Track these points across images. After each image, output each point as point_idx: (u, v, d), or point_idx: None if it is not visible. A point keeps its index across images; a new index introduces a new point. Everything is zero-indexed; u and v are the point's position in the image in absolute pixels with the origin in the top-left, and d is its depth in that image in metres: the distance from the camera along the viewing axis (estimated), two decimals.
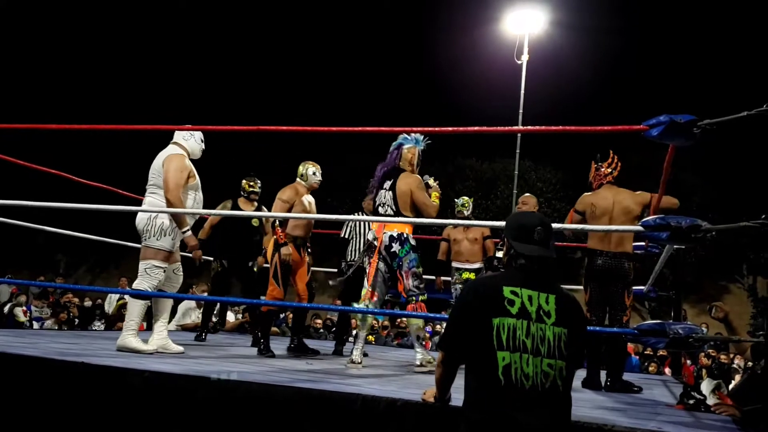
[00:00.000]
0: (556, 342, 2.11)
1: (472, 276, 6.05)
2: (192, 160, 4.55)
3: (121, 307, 9.87)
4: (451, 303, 6.70)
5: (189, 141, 4.55)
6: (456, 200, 6.46)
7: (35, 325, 10.08)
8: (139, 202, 6.55)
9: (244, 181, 6.42)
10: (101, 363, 3.19)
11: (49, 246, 21.07)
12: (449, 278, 6.34)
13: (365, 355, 4.99)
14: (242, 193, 6.39)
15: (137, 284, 4.27)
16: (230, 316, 8.95)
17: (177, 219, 4.31)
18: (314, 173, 5.36)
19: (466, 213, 6.29)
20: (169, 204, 4.25)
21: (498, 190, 19.88)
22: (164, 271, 4.34)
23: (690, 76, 22.12)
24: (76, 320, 10.34)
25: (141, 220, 4.36)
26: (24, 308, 10.70)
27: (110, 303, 11.42)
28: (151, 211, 4.30)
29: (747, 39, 21.20)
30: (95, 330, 9.73)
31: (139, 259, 4.34)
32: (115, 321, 9.64)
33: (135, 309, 4.28)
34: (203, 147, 4.67)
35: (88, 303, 12.03)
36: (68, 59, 23.10)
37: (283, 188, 5.23)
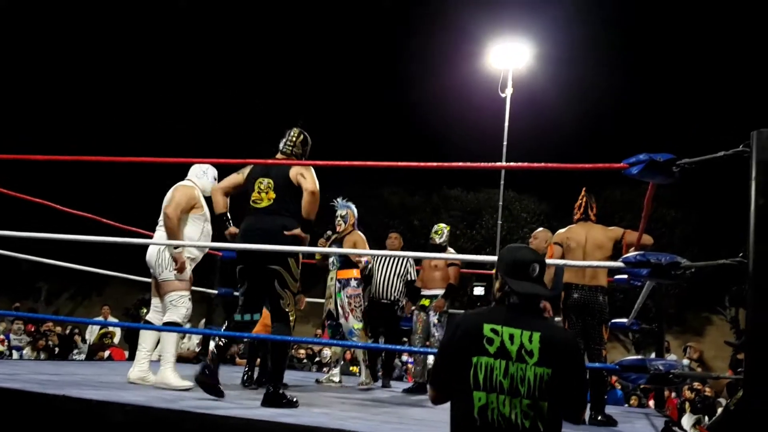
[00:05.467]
0: (538, 382, 2.05)
1: (426, 302, 6.01)
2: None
3: (103, 336, 9.78)
4: (404, 329, 6.81)
5: (201, 179, 4.60)
6: (433, 227, 6.39)
7: (14, 354, 9.93)
8: (124, 232, 6.57)
9: None
10: (82, 396, 3.16)
11: (31, 273, 20.83)
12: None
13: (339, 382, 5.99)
14: None
15: (168, 317, 4.25)
16: (212, 346, 8.86)
17: (172, 235, 4.28)
18: None
19: (437, 240, 6.19)
20: (165, 217, 4.28)
21: (483, 220, 20.00)
22: (189, 298, 4.35)
23: (674, 109, 22.53)
24: (56, 349, 10.20)
25: (151, 255, 4.36)
26: (2, 337, 10.53)
27: (92, 332, 11.29)
28: (148, 243, 4.30)
29: (729, 75, 21.62)
30: (75, 360, 9.63)
31: (160, 295, 4.36)
32: (96, 350, 9.53)
33: (170, 342, 4.26)
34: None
35: (68, 330, 11.87)
36: (48, 84, 23.04)
37: None
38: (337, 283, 5.71)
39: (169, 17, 24.52)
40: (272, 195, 3.93)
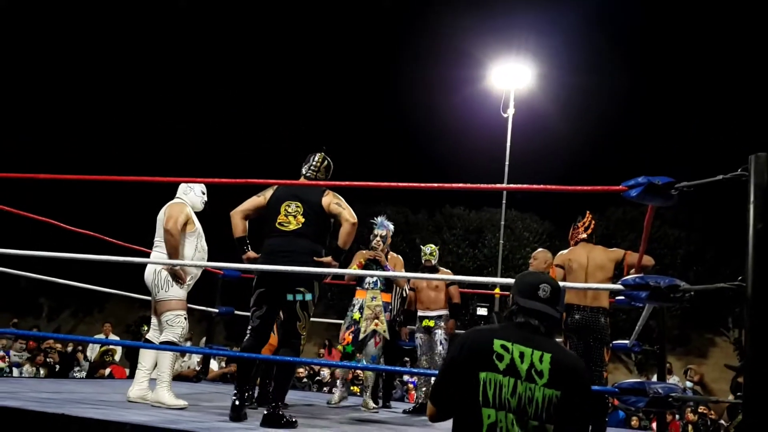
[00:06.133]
0: (545, 404, 2.02)
1: (431, 323, 5.97)
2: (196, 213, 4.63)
3: (104, 354, 9.75)
4: (405, 348, 6.67)
5: (189, 194, 4.63)
6: (423, 248, 6.32)
7: (14, 371, 9.92)
8: (127, 250, 6.59)
9: None
10: (82, 415, 3.16)
11: (31, 289, 20.82)
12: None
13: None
14: None
15: (164, 337, 4.28)
16: (213, 365, 8.85)
17: (174, 253, 4.30)
18: None
19: (433, 261, 6.20)
20: (168, 234, 4.29)
21: (485, 239, 19.99)
22: (185, 317, 4.37)
23: (676, 125, 22.68)
24: (57, 366, 10.18)
25: (148, 275, 4.40)
26: (2, 353, 10.51)
27: (93, 349, 11.27)
28: (145, 263, 4.32)
29: (729, 84, 21.74)
30: (76, 377, 9.61)
31: (157, 314, 4.39)
32: (97, 368, 9.51)
33: (166, 361, 4.28)
34: (205, 199, 4.73)
35: (70, 347, 11.85)
36: (48, 85, 23.12)
37: None
38: (383, 305, 5.59)
39: (169, 17, 24.71)
40: (301, 219, 3.92)
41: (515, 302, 2.22)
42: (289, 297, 3.79)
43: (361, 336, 5.52)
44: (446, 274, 6.36)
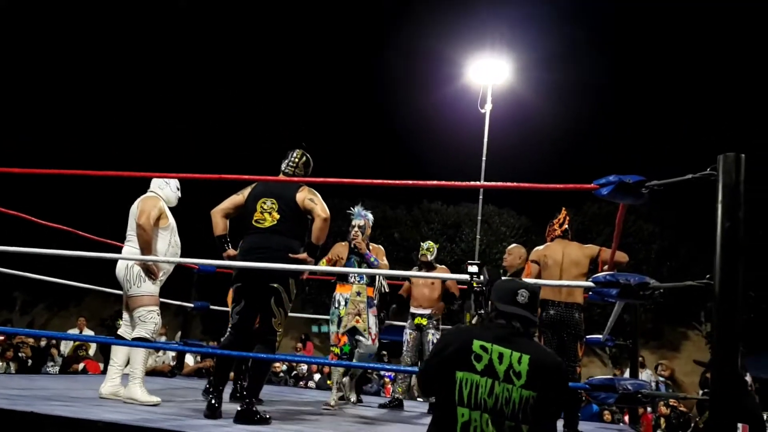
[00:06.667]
0: (522, 405, 2.05)
1: (424, 321, 5.99)
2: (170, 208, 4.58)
3: (77, 348, 9.65)
4: (383, 341, 6.61)
5: (164, 189, 4.58)
6: (422, 243, 6.33)
7: None
8: (101, 245, 6.51)
9: None
10: (52, 412, 3.12)
11: (5, 283, 20.54)
12: (405, 323, 6.24)
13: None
14: None
15: (137, 333, 4.24)
16: (189, 360, 8.78)
17: (147, 248, 4.25)
18: None
19: (429, 257, 6.16)
20: (140, 229, 4.24)
21: (462, 234, 20.08)
22: (158, 313, 4.32)
23: (654, 119, 22.93)
24: (29, 361, 10.04)
25: (120, 270, 4.35)
26: None
27: (66, 344, 11.13)
28: (121, 258, 4.27)
29: (707, 79, 21.98)
30: (49, 372, 9.50)
31: (129, 309, 4.33)
32: (70, 363, 9.41)
33: (138, 357, 4.24)
34: (179, 195, 4.69)
35: (44, 342, 11.68)
36: (48, 85, 22.86)
37: None
38: (367, 300, 5.36)
39: (169, 17, 24.53)
40: (276, 216, 3.93)
41: (494, 307, 2.26)
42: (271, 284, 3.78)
43: (341, 330, 5.30)
44: (443, 272, 6.33)
